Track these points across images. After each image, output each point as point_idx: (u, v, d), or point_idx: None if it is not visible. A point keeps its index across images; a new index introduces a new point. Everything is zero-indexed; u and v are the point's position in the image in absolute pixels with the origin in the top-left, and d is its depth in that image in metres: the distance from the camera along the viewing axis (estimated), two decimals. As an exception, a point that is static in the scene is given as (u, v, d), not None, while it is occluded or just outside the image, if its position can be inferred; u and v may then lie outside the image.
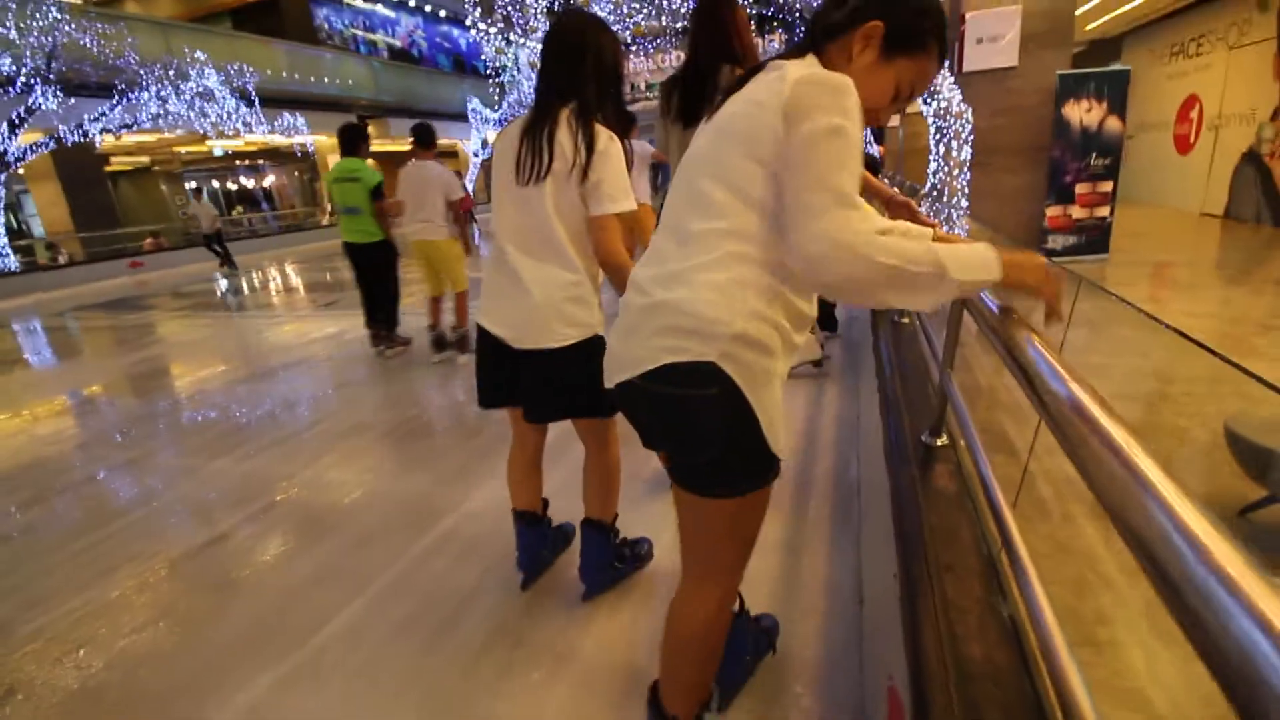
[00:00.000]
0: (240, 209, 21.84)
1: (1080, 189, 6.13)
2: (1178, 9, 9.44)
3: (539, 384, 1.63)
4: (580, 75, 1.52)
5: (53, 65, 10.24)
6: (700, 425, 1.01)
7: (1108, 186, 6.11)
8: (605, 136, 1.51)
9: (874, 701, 1.26)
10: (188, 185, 20.95)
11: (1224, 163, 8.65)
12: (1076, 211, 6.19)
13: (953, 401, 1.39)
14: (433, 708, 1.50)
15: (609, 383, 1.13)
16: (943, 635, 0.95)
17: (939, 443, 1.52)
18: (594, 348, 1.57)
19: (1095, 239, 6.27)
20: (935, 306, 0.87)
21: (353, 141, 4.53)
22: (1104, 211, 6.18)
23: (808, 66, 0.96)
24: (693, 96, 1.94)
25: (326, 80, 17.74)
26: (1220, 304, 5.01)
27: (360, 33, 21.60)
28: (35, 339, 7.41)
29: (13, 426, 3.99)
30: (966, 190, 4.98)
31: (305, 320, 6.73)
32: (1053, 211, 6.20)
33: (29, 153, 10.86)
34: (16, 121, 10.37)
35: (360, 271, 4.65)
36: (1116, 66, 6.37)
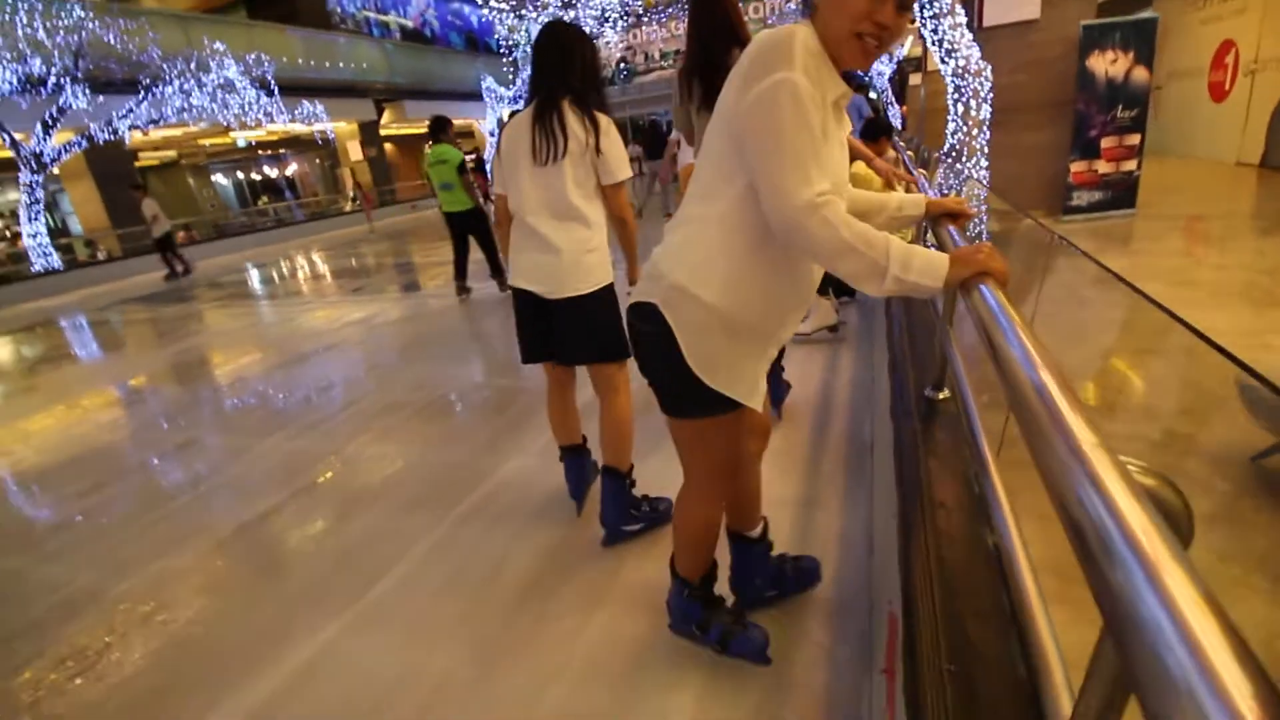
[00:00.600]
0: (265, 199, 22.22)
1: (1106, 143, 5.99)
2: (1213, -53, 9.00)
3: (572, 328, 1.91)
4: (573, 72, 1.82)
5: (80, 63, 10.50)
6: (644, 354, 1.23)
7: (1134, 139, 5.96)
8: (605, 119, 1.83)
9: (878, 630, 1.38)
10: (214, 177, 21.36)
11: (1260, 109, 8.31)
12: (1102, 166, 6.06)
13: (950, 357, 1.48)
14: (479, 650, 1.66)
15: None
16: (931, 561, 1.06)
17: (941, 396, 1.61)
18: (612, 294, 1.93)
19: (1122, 194, 6.14)
20: (878, 293, 0.98)
21: (437, 130, 5.34)
22: (1131, 165, 6.04)
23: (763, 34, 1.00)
24: (712, 83, 2.01)
25: (342, 65, 17.84)
26: (1253, 255, 4.91)
27: (373, 14, 21.57)
28: (83, 334, 7.78)
29: (74, 416, 4.27)
30: (986, 150, 4.93)
31: (336, 306, 6.95)
32: (1077, 167, 6.08)
33: (63, 153, 11.21)
34: (50, 122, 10.70)
35: (456, 234, 5.57)
36: (1144, 15, 6.16)
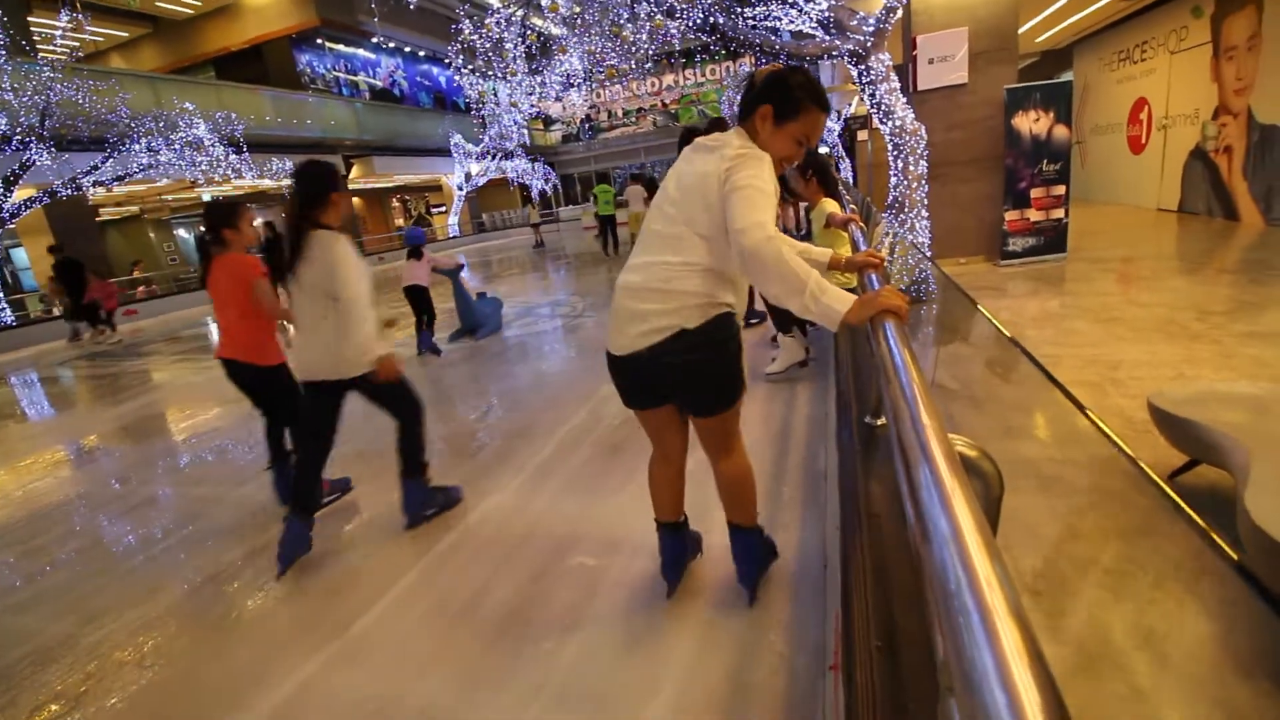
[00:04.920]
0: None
1: (1035, 193, 6.51)
2: (1120, 19, 10.00)
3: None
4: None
5: (46, 123, 10.54)
6: (701, 368, 1.62)
7: (1060, 190, 6.50)
8: None
9: (830, 636, 1.52)
10: (176, 231, 21.19)
11: (1174, 160, 9.12)
12: (1033, 215, 6.57)
13: (883, 388, 1.67)
14: (463, 673, 1.74)
15: None
16: (865, 561, 1.22)
17: (879, 423, 1.80)
18: None
19: (1053, 239, 6.65)
20: (800, 312, 1.35)
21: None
22: (1059, 213, 6.56)
23: (738, 140, 1.52)
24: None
25: (310, 123, 18.15)
26: (1172, 293, 5.35)
27: (342, 75, 22.10)
28: (33, 391, 7.59)
29: (33, 472, 4.19)
30: (925, 202, 5.33)
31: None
32: (1011, 216, 6.58)
33: (23, 209, 11.09)
34: (11, 178, 10.63)
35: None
36: (1060, 79, 6.81)
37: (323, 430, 2.45)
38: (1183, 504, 1.99)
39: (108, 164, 11.54)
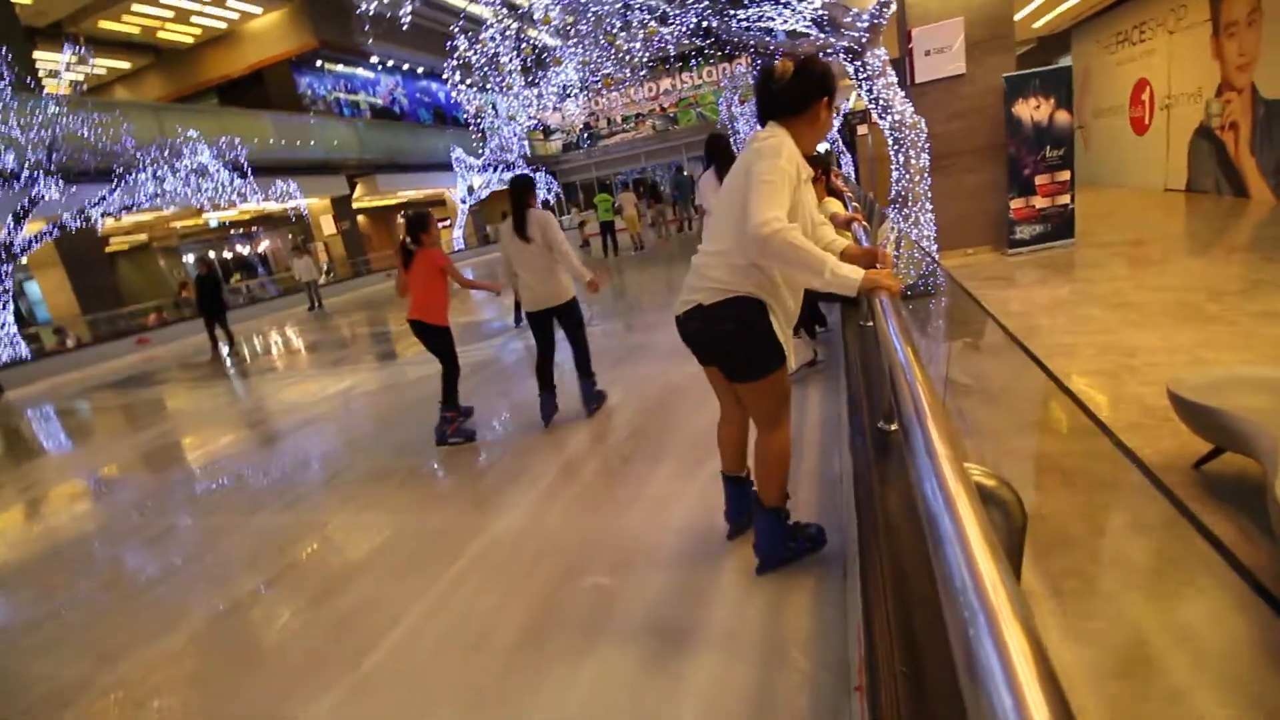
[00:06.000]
0: (238, 276, 22.27)
1: (1040, 180, 6.44)
2: (1117, 0, 9.89)
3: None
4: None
5: (53, 156, 10.68)
6: (733, 337, 1.85)
7: (1065, 175, 6.42)
8: None
9: (854, 651, 1.48)
10: (185, 258, 21.43)
11: (1179, 139, 9.00)
12: (1039, 202, 6.49)
13: (896, 392, 1.63)
14: (477, 704, 1.71)
15: None
16: (884, 578, 1.18)
17: (892, 428, 1.76)
18: None
19: (1060, 226, 6.56)
20: (824, 287, 1.56)
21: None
22: (1065, 199, 6.48)
23: (768, 133, 1.70)
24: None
25: (314, 144, 18.30)
26: (1184, 275, 5.26)
27: (343, 95, 22.30)
28: (50, 425, 7.67)
29: (50, 508, 4.22)
30: (929, 194, 5.28)
31: (314, 379, 6.99)
32: (1016, 204, 6.50)
33: (34, 243, 11.25)
34: (21, 214, 10.78)
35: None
36: (1059, 64, 6.74)
37: (547, 340, 3.79)
38: (1189, 507, 1.94)
39: (115, 194, 11.67)
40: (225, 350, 10.09)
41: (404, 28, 6.39)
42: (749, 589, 1.95)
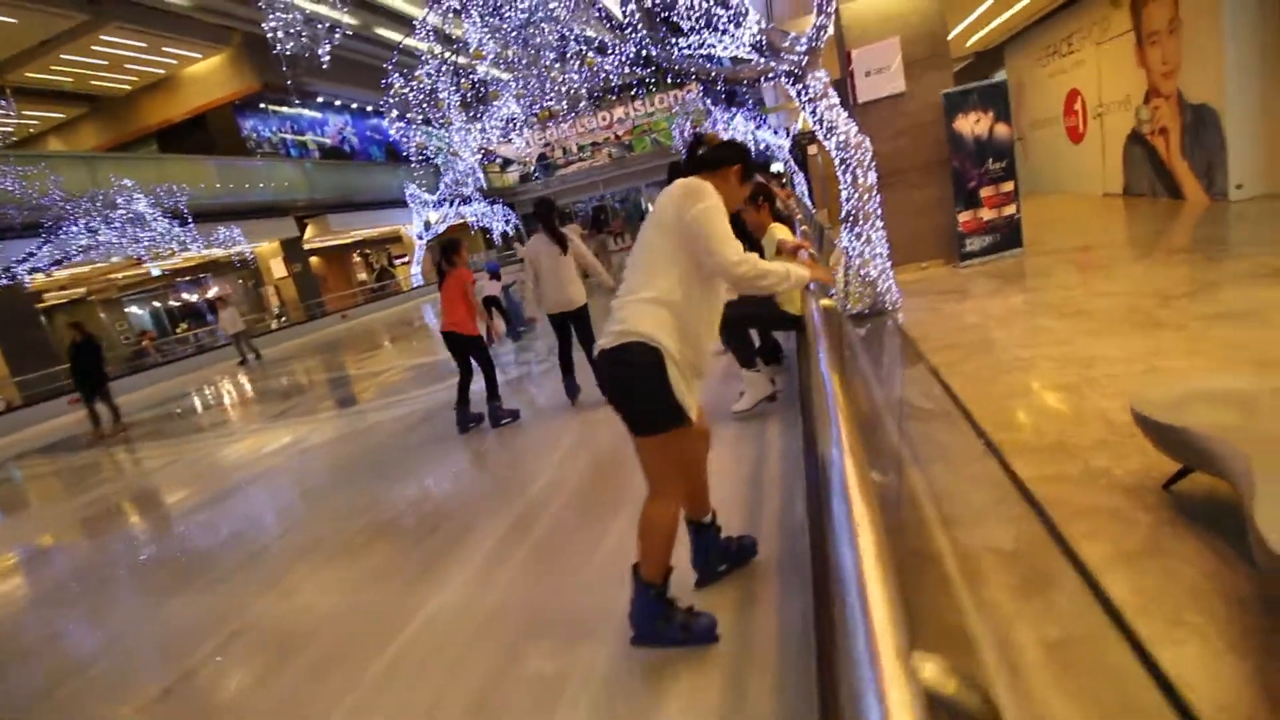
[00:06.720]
0: (184, 325, 21.45)
1: (985, 192, 6.51)
2: (1044, 15, 10.27)
3: None
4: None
5: (-28, 214, 10.14)
6: (627, 385, 1.80)
7: (1009, 186, 6.50)
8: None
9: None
10: (128, 309, 20.57)
11: (1114, 146, 9.30)
12: (986, 214, 6.56)
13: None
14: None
15: None
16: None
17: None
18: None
19: (1009, 235, 6.63)
20: (784, 289, 1.88)
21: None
22: (1010, 209, 6.56)
23: (684, 180, 1.81)
24: None
25: (261, 186, 17.86)
26: (1130, 280, 5.31)
27: (290, 136, 21.89)
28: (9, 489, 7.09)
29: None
30: (880, 212, 5.25)
31: (258, 434, 6.61)
32: (964, 217, 6.55)
33: (-45, 304, 10.61)
34: (-62, 275, 10.17)
35: None
36: (994, 79, 6.88)
37: (566, 336, 4.54)
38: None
39: (44, 249, 11.10)
40: (108, 426, 8.50)
41: (324, 66, 6.19)
42: (705, 660, 1.75)
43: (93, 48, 16.04)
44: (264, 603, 2.80)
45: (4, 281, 10.85)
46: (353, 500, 3.87)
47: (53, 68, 16.45)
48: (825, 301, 2.07)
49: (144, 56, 17.43)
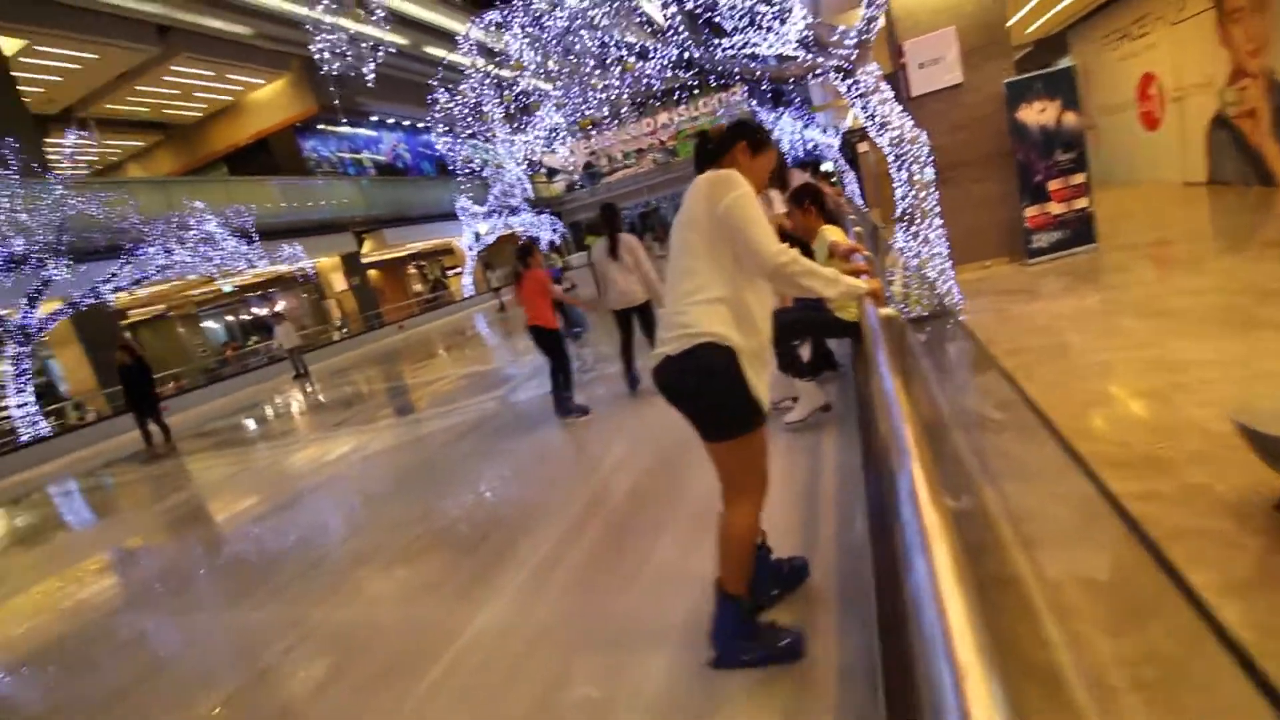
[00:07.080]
0: (254, 339, 22.56)
1: (1053, 185, 6.13)
2: (1111, -2, 9.69)
3: None
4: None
5: (62, 238, 10.88)
6: (700, 388, 1.73)
7: (1080, 178, 6.11)
8: None
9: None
10: (203, 324, 21.79)
11: (1195, 131, 8.65)
12: (1055, 208, 6.18)
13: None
14: None
15: None
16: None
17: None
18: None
19: (1080, 230, 6.22)
20: (832, 296, 1.73)
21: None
22: (1082, 203, 6.16)
23: (707, 175, 1.74)
24: None
25: (322, 204, 18.64)
26: (1223, 275, 4.88)
27: (347, 155, 22.82)
28: (72, 500, 7.58)
29: (53, 591, 4.02)
30: (938, 209, 5.01)
31: (321, 442, 6.82)
32: (1031, 212, 6.19)
33: (48, 323, 11.40)
34: (34, 296, 10.94)
35: None
36: (1060, 64, 6.50)
37: (628, 330, 4.87)
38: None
39: (125, 269, 11.84)
40: (160, 444, 8.76)
41: (369, 84, 6.36)
42: (762, 686, 1.63)
43: (164, 78, 17.13)
44: (323, 610, 2.84)
45: (90, 300, 11.61)
46: (410, 507, 3.92)
47: (129, 99, 17.64)
48: (885, 311, 1.93)
49: (211, 84, 18.52)
